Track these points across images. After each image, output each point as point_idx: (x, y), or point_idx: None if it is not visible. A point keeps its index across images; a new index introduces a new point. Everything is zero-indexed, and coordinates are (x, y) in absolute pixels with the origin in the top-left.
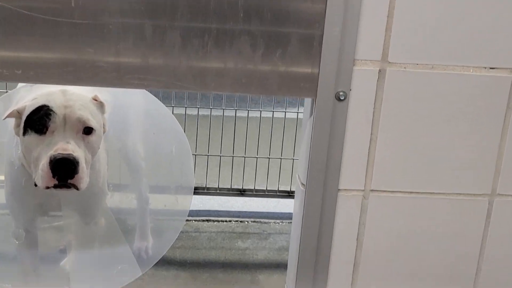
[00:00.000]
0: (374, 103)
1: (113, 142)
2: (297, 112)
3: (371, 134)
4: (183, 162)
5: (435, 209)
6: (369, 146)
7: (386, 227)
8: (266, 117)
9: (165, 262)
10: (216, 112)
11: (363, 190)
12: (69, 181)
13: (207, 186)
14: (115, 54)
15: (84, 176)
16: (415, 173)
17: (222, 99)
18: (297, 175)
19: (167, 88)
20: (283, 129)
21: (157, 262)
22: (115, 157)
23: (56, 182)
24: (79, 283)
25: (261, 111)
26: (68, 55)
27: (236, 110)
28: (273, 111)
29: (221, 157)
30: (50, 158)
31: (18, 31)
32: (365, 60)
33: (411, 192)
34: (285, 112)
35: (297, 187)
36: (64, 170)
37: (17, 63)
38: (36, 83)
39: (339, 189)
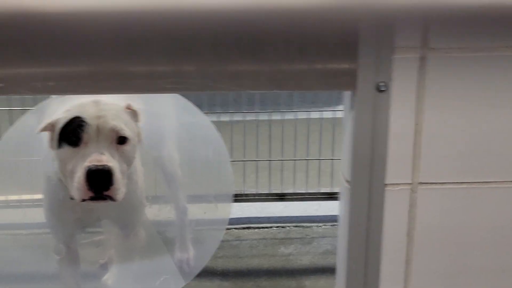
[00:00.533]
0: (417, 92)
1: (148, 152)
2: (334, 111)
3: (415, 124)
4: (221, 168)
5: (489, 199)
6: (415, 137)
7: (438, 221)
8: (302, 118)
9: (208, 273)
10: (250, 117)
11: (411, 184)
12: (105, 192)
13: (245, 193)
14: (147, 59)
15: (120, 187)
16: (466, 162)
17: (254, 103)
18: (340, 173)
19: (201, 91)
20: (320, 130)
21: (200, 273)
22: (150, 168)
23: (92, 194)
24: None
25: (296, 112)
26: (99, 63)
27: (270, 113)
28: (308, 112)
29: (258, 162)
30: (85, 170)
31: (48, 42)
32: (405, 47)
33: (462, 183)
34: (322, 111)
35: (342, 186)
36: (99, 182)
37: (49, 75)
38: (69, 94)
39: (385, 184)
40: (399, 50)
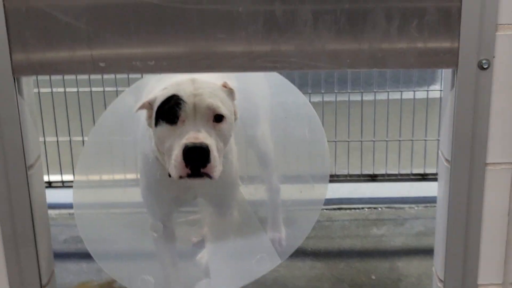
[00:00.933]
0: None
1: (242, 131)
2: (427, 90)
3: None
4: (317, 147)
5: None
6: None
7: None
8: (394, 99)
9: (299, 253)
10: (341, 97)
11: None
12: (202, 170)
13: (336, 174)
14: (246, 38)
15: (216, 165)
16: None
17: (346, 83)
18: (439, 152)
19: (300, 69)
20: (412, 110)
21: (292, 253)
22: (242, 148)
23: (189, 172)
24: (218, 275)
25: (388, 92)
26: (198, 42)
27: (362, 93)
28: (401, 92)
29: (349, 142)
30: (182, 147)
31: (149, 22)
32: (509, 24)
33: None
34: (414, 91)
35: (441, 165)
36: (196, 159)
37: (150, 54)
38: (168, 73)
39: (486, 163)
40: (502, 27)
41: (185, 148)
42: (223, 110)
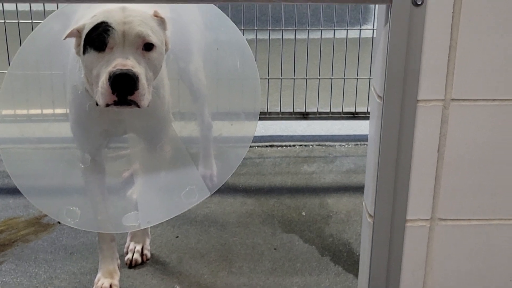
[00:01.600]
0: (454, 7)
1: (174, 64)
2: (359, 29)
3: (450, 40)
4: (249, 82)
5: None
6: (449, 53)
7: (469, 138)
8: (327, 38)
9: (231, 189)
10: (275, 35)
11: (444, 100)
12: (129, 97)
13: (268, 111)
14: None
15: (145, 93)
16: (499, 79)
17: (280, 21)
18: (371, 88)
19: (236, 1)
20: (345, 49)
21: (223, 190)
22: (175, 83)
23: (116, 99)
24: (146, 207)
25: (321, 30)
26: None
27: (295, 31)
28: (334, 30)
29: (282, 80)
30: (109, 74)
31: None
32: None
33: (494, 100)
34: (347, 30)
35: (373, 101)
36: (123, 86)
37: None
38: (101, 2)
39: (418, 100)
40: None
41: (112, 74)
42: (153, 39)
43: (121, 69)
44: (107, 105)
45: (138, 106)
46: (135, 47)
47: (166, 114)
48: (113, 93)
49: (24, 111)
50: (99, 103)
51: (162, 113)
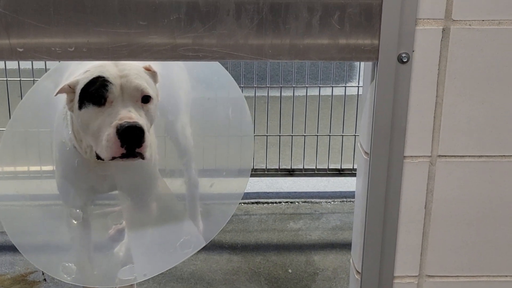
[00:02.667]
0: (439, 64)
1: (161, 121)
2: (345, 87)
3: (436, 97)
4: (242, 141)
5: (508, 173)
6: (435, 110)
7: (456, 194)
8: (312, 95)
9: (217, 247)
10: (260, 92)
11: (430, 156)
12: (137, 149)
13: (254, 168)
14: (168, 26)
15: (148, 145)
16: (485, 136)
17: (265, 79)
18: (358, 145)
19: (222, 59)
20: (330, 107)
21: (209, 247)
22: (162, 141)
23: (124, 151)
24: (143, 261)
25: (307, 87)
26: (119, 29)
27: (281, 88)
28: (319, 87)
29: (268, 137)
30: (117, 127)
31: (69, 8)
32: (428, 19)
33: (480, 156)
34: (332, 87)
35: (360, 158)
36: (131, 139)
37: (69, 41)
38: (89, 60)
39: (404, 156)
40: (422, 21)
41: (120, 127)
42: (150, 91)
43: (129, 122)
44: (113, 158)
45: (143, 158)
46: (134, 100)
47: (152, 170)
48: (122, 146)
49: (13, 169)
50: (102, 157)
51: (149, 170)
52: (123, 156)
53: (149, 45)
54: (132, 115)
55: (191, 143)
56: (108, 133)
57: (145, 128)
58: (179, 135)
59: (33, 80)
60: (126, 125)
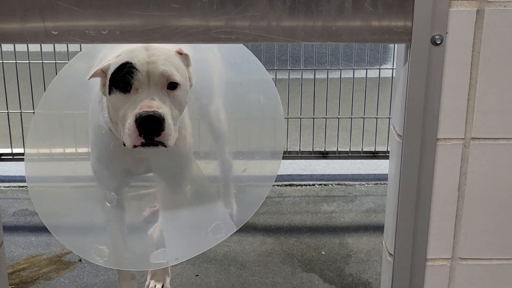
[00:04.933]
0: (473, 46)
1: (196, 105)
2: (379, 69)
3: (470, 78)
4: (272, 119)
5: None
6: (469, 92)
7: (489, 176)
8: (346, 77)
9: (251, 228)
10: (294, 75)
11: (464, 139)
12: (156, 138)
13: (288, 150)
14: (200, 9)
15: (171, 133)
16: None
17: (299, 61)
18: (391, 127)
19: (255, 42)
20: (364, 89)
21: (243, 229)
22: (196, 124)
23: (143, 141)
24: (173, 244)
25: (341, 69)
26: (152, 12)
27: (315, 70)
28: (353, 70)
29: (301, 119)
30: (136, 116)
31: None
32: (462, 0)
33: None
34: (366, 69)
35: (393, 140)
36: (150, 128)
37: (103, 23)
38: (122, 42)
39: (437, 138)
40: (456, 3)
41: (139, 117)
42: (177, 77)
43: (147, 111)
44: (134, 146)
45: (165, 146)
46: (160, 87)
47: (187, 153)
48: (140, 135)
49: (48, 150)
50: (126, 144)
51: (184, 153)
52: (143, 145)
53: (181, 27)
54: (153, 103)
55: (225, 126)
56: (129, 121)
57: (167, 116)
58: (213, 119)
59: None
60: (144, 115)
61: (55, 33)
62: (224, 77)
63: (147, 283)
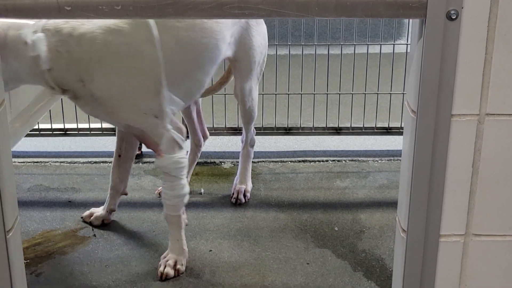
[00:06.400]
0: (488, 21)
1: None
2: (393, 44)
3: (485, 54)
4: None
5: None
6: (484, 67)
7: (504, 153)
8: (360, 53)
9: (264, 204)
10: (308, 51)
11: (478, 115)
12: None
13: (301, 126)
14: None
15: None
16: None
17: (313, 37)
18: (405, 103)
19: (268, 17)
20: (378, 65)
21: (255, 204)
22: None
23: None
24: None
25: (355, 45)
26: None
27: (328, 46)
28: (367, 45)
29: (315, 95)
30: None
31: None
32: None
33: None
34: (380, 45)
35: (407, 116)
36: None
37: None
38: (135, 18)
39: (452, 114)
40: None
41: None
42: None
43: None
44: None
45: None
46: None
47: None
48: None
49: (62, 125)
50: None
51: None
52: None
53: (194, 2)
54: None
55: (256, 105)
56: None
57: None
58: (246, 97)
59: None
60: None
61: (68, 8)
62: (263, 53)
63: (162, 256)
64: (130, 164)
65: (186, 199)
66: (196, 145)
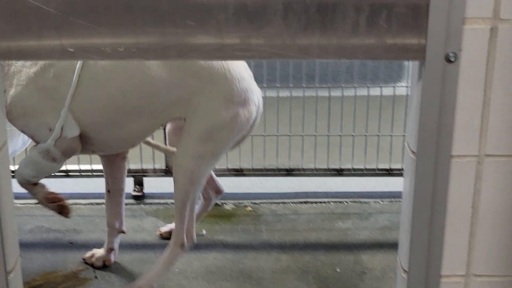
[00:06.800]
0: (487, 64)
1: None
2: (394, 87)
3: (484, 96)
4: None
5: None
6: (483, 109)
7: (503, 193)
8: (361, 95)
9: (266, 245)
10: (309, 93)
11: (478, 156)
12: None
13: (303, 167)
14: (216, 26)
15: None
16: None
17: (314, 79)
18: (406, 144)
19: (270, 59)
20: (379, 107)
21: (257, 245)
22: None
23: None
24: None
25: (355, 87)
26: (168, 29)
27: (330, 88)
28: (368, 87)
29: (316, 137)
30: None
31: (119, 8)
32: (476, 18)
33: None
34: (381, 87)
35: (407, 157)
36: None
37: (119, 41)
38: (139, 60)
39: (451, 155)
40: (470, 20)
41: None
42: None
43: None
44: None
45: None
46: None
47: None
48: None
49: (63, 167)
50: None
51: None
52: None
53: (197, 44)
54: None
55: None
56: None
57: None
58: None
59: None
60: None
61: (72, 50)
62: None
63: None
64: (121, 200)
65: None
66: (204, 198)
